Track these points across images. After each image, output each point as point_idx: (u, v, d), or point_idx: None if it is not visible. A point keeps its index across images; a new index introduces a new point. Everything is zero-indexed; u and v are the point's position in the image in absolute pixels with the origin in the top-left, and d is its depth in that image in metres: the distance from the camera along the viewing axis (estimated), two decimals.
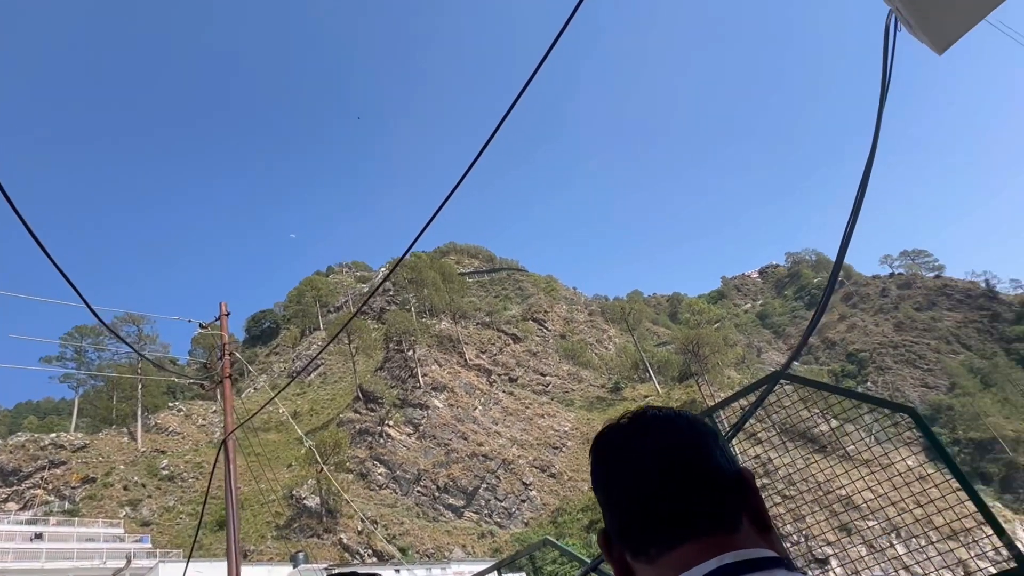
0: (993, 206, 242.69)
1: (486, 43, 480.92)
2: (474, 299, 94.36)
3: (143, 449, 59.52)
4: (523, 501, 58.62)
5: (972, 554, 3.92)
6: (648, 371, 77.12)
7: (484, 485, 58.90)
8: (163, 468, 55.91)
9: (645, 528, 0.67)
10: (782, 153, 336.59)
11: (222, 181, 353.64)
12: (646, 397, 71.42)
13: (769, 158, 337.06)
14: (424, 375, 69.99)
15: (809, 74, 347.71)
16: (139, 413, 64.48)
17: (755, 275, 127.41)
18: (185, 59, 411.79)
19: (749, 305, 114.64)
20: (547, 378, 77.29)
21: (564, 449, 65.50)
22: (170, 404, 72.64)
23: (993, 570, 3.73)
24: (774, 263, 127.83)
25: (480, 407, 69.52)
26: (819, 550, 38.48)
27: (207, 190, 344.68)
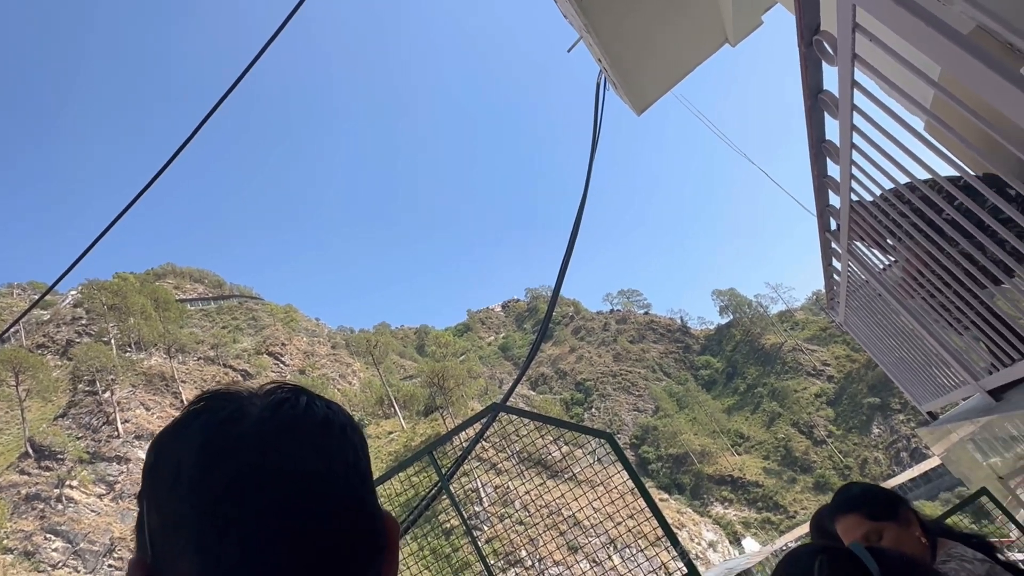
0: (678, 253, 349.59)
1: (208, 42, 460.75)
2: (196, 330, 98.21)
3: None
4: None
5: (671, 556, 4.81)
6: (393, 406, 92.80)
7: None
8: None
9: None
10: (522, 195, 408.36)
11: None
12: (390, 433, 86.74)
13: (509, 199, 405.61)
14: (125, 421, 72.59)
15: (550, 125, 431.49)
16: None
17: (498, 309, 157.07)
18: None
19: (492, 338, 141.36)
20: None
21: None
22: None
23: (685, 569, 4.63)
24: (515, 298, 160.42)
25: None
26: (551, 570, 57.17)
27: None
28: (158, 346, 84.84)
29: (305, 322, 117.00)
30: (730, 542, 79.01)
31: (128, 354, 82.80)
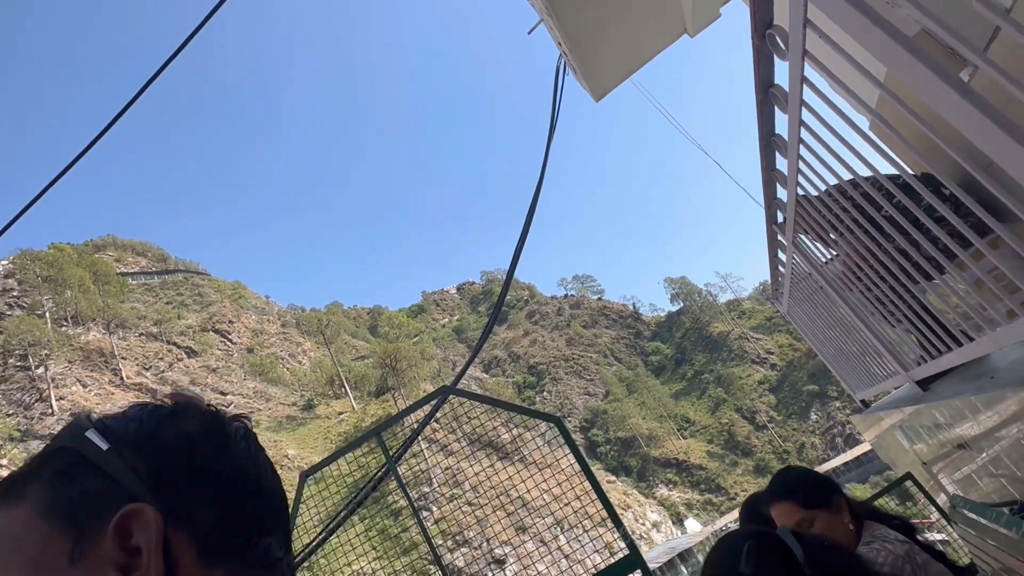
0: (633, 240, 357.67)
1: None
2: (138, 305, 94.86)
3: None
4: None
5: (615, 537, 5.05)
6: (344, 387, 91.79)
7: None
8: None
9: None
10: (480, 177, 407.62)
11: None
12: (340, 414, 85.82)
13: (467, 181, 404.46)
14: (60, 398, 69.92)
15: (511, 107, 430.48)
16: None
17: (453, 291, 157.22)
18: None
19: (447, 320, 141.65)
20: (228, 397, 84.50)
21: None
22: None
23: (627, 550, 4.68)
24: (471, 280, 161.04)
25: None
26: (497, 550, 57.60)
27: None
28: (96, 321, 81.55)
29: (254, 299, 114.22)
30: (673, 522, 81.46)
31: (64, 328, 79.45)
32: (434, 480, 62.34)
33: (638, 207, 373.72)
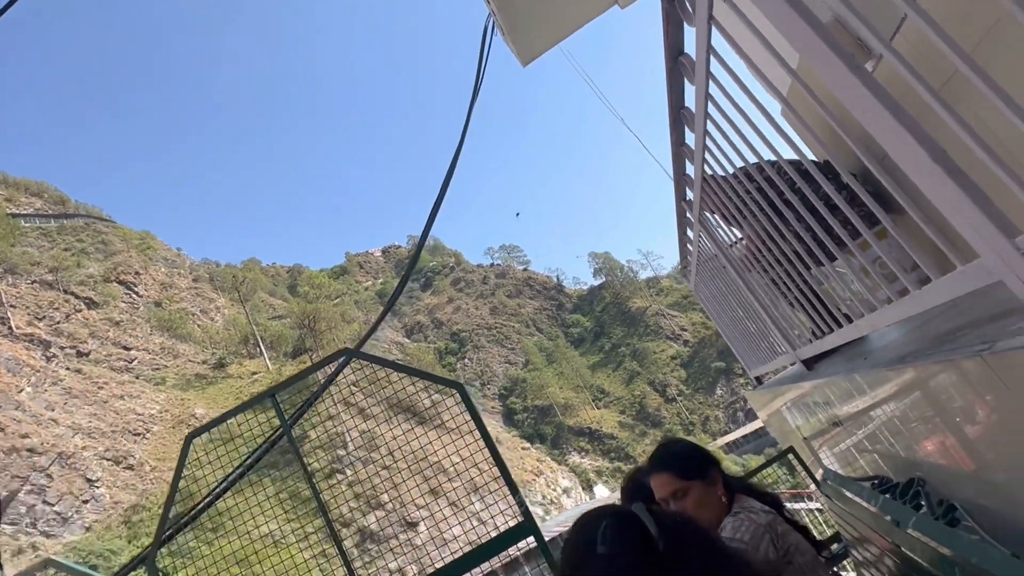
0: (562, 213, 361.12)
1: None
2: (31, 250, 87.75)
3: None
4: (85, 502, 60.99)
5: (517, 501, 5.08)
6: (259, 346, 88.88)
7: (27, 488, 57.86)
8: None
9: None
10: (409, 139, 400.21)
11: None
12: (254, 374, 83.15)
13: (396, 142, 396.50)
14: None
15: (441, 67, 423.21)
16: None
17: (378, 254, 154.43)
18: None
19: (370, 283, 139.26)
20: (132, 352, 79.90)
21: (148, 435, 70.10)
22: None
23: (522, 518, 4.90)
24: (396, 244, 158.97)
25: (29, 388, 67.78)
26: (411, 514, 57.63)
27: None
28: None
29: (164, 251, 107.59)
30: (583, 488, 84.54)
31: None
32: (350, 443, 61.80)
33: (568, 180, 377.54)
